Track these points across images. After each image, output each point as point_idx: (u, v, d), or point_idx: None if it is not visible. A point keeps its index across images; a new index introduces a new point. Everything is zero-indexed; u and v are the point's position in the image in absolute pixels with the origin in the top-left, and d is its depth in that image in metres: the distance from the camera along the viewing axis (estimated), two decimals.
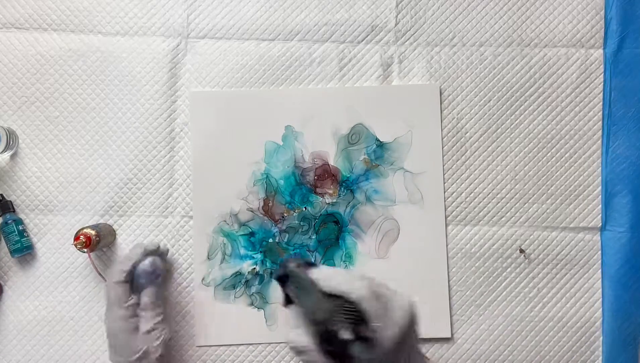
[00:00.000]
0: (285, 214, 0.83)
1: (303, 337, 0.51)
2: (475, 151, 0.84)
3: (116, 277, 0.69)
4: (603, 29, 0.84)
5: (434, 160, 0.83)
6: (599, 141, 0.84)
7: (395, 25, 0.85)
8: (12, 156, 0.83)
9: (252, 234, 0.83)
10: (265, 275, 0.82)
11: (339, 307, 0.49)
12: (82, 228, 0.76)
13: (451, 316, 0.82)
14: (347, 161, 0.83)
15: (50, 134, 0.83)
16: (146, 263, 0.69)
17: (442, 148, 0.83)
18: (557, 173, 0.84)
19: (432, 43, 0.85)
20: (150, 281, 0.69)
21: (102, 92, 0.84)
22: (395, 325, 0.48)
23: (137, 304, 0.70)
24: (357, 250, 0.82)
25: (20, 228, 0.80)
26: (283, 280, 0.56)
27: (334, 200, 0.83)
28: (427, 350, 0.82)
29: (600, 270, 0.82)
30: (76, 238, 0.74)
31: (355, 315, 0.49)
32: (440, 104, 0.84)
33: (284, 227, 0.83)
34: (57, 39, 0.84)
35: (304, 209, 0.83)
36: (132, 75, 0.84)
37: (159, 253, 0.75)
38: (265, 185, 0.83)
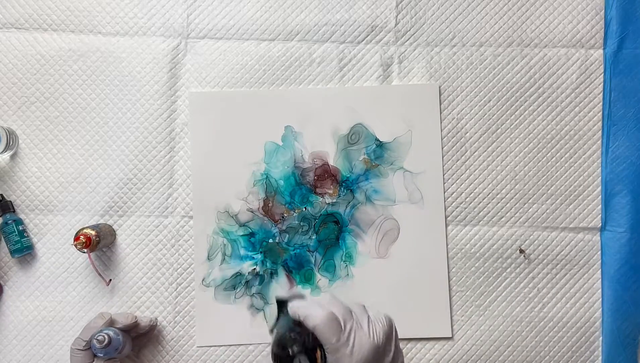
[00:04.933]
0: (285, 215, 0.83)
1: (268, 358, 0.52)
2: (475, 151, 0.84)
3: (75, 345, 0.71)
4: (603, 29, 0.84)
5: (434, 160, 0.83)
6: (599, 141, 0.84)
7: (395, 25, 0.85)
8: (12, 156, 0.83)
9: (252, 234, 0.83)
10: (265, 276, 0.82)
11: (295, 333, 0.50)
12: (82, 228, 0.76)
13: (451, 317, 0.82)
14: (347, 161, 0.83)
15: (50, 134, 0.83)
16: (100, 336, 0.69)
17: (442, 147, 0.83)
18: (557, 173, 0.84)
19: (432, 43, 0.85)
20: (105, 353, 0.70)
21: (102, 92, 0.84)
22: (355, 353, 0.48)
23: None
24: (357, 250, 0.82)
25: (20, 228, 0.80)
26: (280, 305, 0.56)
27: (334, 200, 0.83)
28: (427, 350, 0.82)
29: (600, 270, 0.82)
30: (76, 238, 0.74)
31: (309, 340, 0.49)
32: (440, 104, 0.84)
33: (284, 227, 0.83)
34: (57, 39, 0.84)
35: (304, 209, 0.83)
36: (132, 75, 0.84)
37: (127, 326, 0.74)
38: (265, 185, 0.83)
